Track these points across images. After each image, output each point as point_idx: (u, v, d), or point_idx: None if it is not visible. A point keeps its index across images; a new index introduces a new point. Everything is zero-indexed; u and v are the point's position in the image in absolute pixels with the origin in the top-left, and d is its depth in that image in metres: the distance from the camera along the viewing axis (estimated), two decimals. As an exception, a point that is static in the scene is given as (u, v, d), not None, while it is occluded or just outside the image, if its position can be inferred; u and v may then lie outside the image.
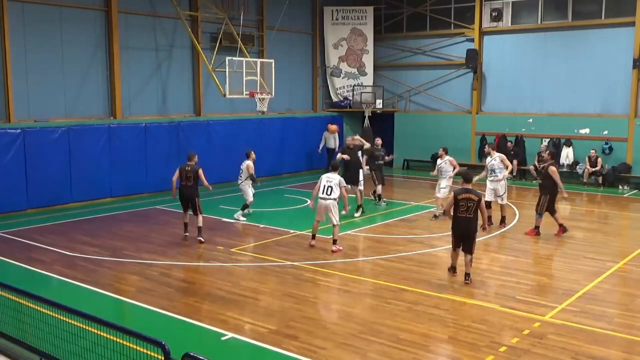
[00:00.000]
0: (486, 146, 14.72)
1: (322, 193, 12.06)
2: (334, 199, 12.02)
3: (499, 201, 14.05)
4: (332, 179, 12.13)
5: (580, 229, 14.45)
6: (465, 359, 7.23)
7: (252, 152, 15.72)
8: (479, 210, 10.00)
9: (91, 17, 17.81)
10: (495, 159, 14.07)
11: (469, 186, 10.17)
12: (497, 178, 13.95)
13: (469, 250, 10.10)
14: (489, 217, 13.42)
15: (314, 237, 12.38)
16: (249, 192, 15.46)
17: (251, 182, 15.48)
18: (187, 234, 13.21)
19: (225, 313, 8.70)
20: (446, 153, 15.40)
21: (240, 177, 15.56)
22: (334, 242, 12.08)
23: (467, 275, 10.09)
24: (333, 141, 23.39)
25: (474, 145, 23.79)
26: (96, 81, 18.12)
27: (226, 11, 20.02)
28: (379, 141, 17.19)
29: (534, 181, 21.64)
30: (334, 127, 23.58)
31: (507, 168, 14.07)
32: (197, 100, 20.93)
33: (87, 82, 17.89)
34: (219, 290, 9.73)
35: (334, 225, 12.09)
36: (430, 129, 24.57)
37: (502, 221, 14.20)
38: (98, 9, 17.92)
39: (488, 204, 13.70)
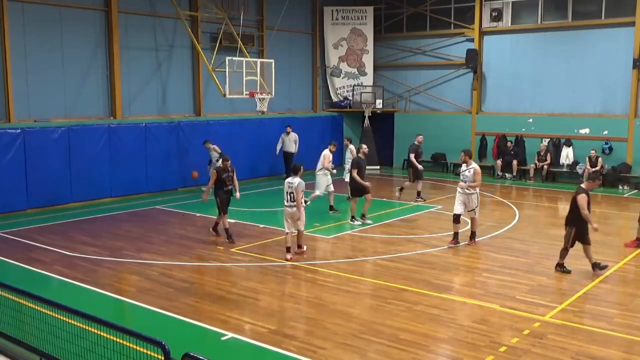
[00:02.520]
0: (462, 153, 12.73)
1: (287, 201, 11.41)
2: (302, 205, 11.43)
3: (472, 215, 12.58)
4: (292, 184, 11.37)
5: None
6: (466, 359, 7.23)
7: (334, 143, 16.51)
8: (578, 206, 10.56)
9: (91, 17, 17.81)
10: (469, 170, 12.39)
11: (583, 185, 10.99)
12: (467, 191, 12.38)
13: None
14: (455, 234, 12.52)
15: (289, 250, 11.44)
16: (322, 184, 15.91)
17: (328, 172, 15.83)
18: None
19: (225, 313, 8.70)
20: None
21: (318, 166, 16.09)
22: (299, 246, 11.73)
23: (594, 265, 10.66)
24: (294, 145, 21.52)
25: (474, 145, 23.77)
26: (96, 81, 18.12)
27: (226, 11, 20.02)
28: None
29: (527, 181, 21.72)
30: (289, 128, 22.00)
31: (476, 182, 12.34)
32: (197, 100, 20.93)
33: (87, 82, 17.89)
34: (219, 290, 9.73)
35: (299, 231, 11.59)
36: (430, 129, 24.50)
37: (472, 237, 12.69)
38: (98, 9, 17.92)
39: (457, 218, 12.48)
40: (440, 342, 7.78)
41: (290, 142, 21.44)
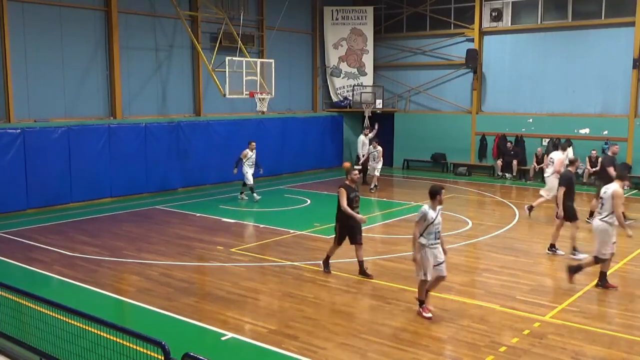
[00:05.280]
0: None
1: (434, 238, 8.34)
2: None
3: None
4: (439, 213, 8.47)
5: (580, 229, 14.43)
6: (466, 359, 7.23)
7: (569, 144, 15.38)
8: None
9: (91, 17, 17.81)
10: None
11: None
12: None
13: None
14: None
15: (422, 303, 8.57)
16: (553, 187, 13.97)
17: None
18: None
19: (225, 313, 8.70)
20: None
21: (547, 170, 15.31)
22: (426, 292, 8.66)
23: None
24: (367, 149, 20.22)
25: (474, 145, 23.79)
26: (96, 81, 18.12)
27: (226, 11, 20.02)
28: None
29: (527, 181, 21.74)
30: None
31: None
32: (197, 100, 20.93)
33: (87, 82, 17.89)
34: (219, 290, 9.73)
35: (443, 277, 8.65)
36: (430, 129, 24.58)
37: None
38: (98, 9, 17.92)
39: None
40: (440, 342, 7.78)
41: (367, 145, 20.26)
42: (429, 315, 8.43)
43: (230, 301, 9.21)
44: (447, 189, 8.67)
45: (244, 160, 17.44)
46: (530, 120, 22.58)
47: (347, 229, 10.34)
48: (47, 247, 12.43)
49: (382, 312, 8.74)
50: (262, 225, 14.58)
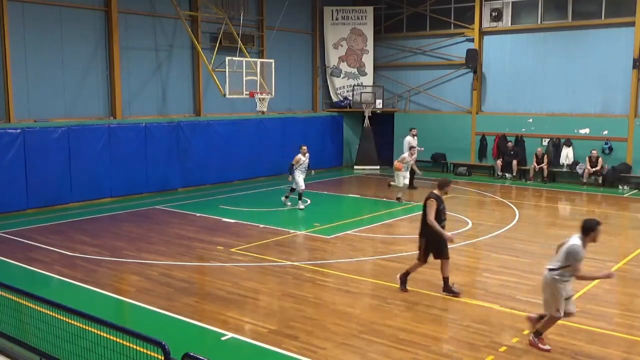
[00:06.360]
0: None
1: (570, 275, 7.42)
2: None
3: None
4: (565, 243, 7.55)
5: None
6: (466, 359, 7.23)
7: None
8: None
9: (91, 17, 17.81)
10: None
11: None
12: None
13: None
14: None
15: (540, 334, 7.56)
16: None
17: None
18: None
19: (225, 313, 8.70)
20: None
21: None
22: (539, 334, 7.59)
23: None
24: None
25: (474, 145, 23.79)
26: (96, 81, 18.12)
27: (226, 11, 20.02)
28: None
29: (527, 181, 21.76)
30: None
31: None
32: (197, 100, 20.93)
33: (87, 82, 17.89)
34: (219, 290, 9.73)
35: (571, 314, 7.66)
36: (430, 129, 24.54)
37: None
38: (98, 9, 17.92)
39: None
40: (440, 342, 7.78)
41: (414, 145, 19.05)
42: (548, 347, 7.45)
43: (230, 301, 9.21)
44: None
45: (296, 166, 16.36)
46: (530, 120, 22.58)
47: (434, 244, 9.41)
48: (47, 247, 12.43)
49: (382, 312, 8.74)
50: (262, 225, 14.58)
